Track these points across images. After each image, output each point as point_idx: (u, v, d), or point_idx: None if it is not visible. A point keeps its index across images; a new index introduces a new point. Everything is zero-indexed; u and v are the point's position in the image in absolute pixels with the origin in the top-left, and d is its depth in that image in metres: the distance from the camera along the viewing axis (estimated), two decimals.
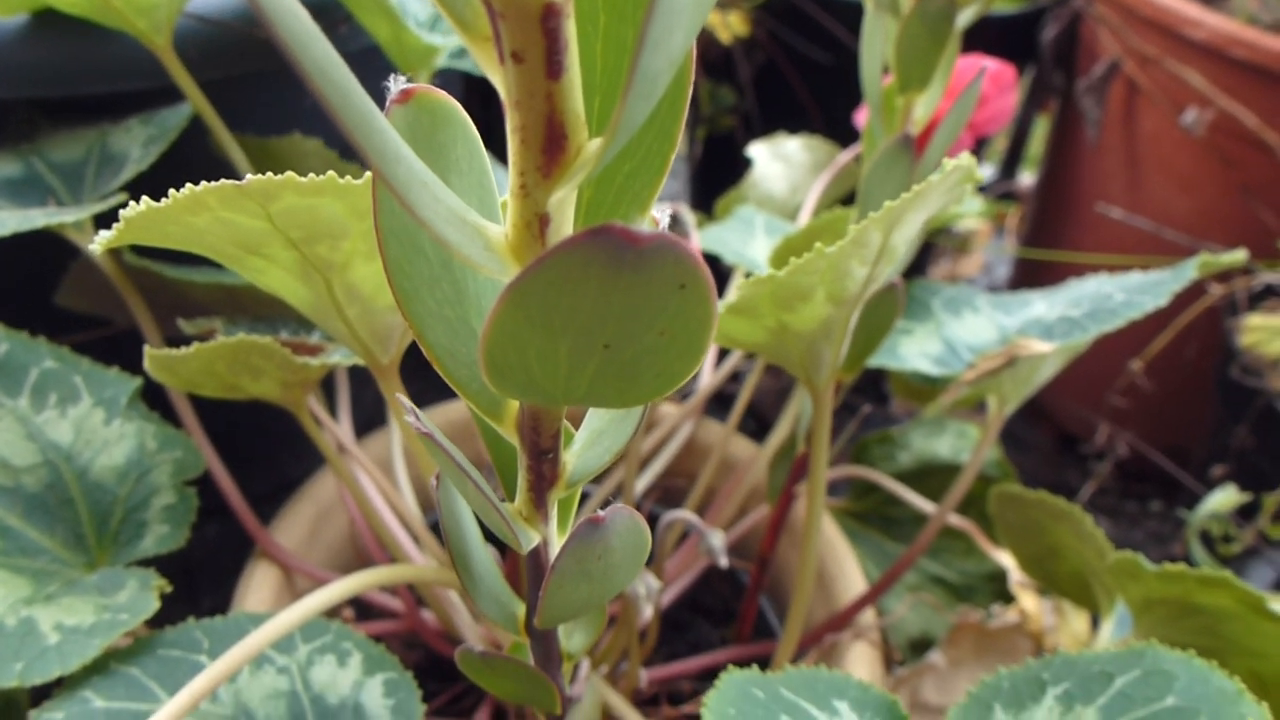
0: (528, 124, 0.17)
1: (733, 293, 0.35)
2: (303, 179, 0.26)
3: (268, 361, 0.42)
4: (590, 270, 0.15)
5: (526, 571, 0.29)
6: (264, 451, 0.86)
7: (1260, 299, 0.83)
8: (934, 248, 1.21)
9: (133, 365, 0.59)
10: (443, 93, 0.20)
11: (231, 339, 0.40)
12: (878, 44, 0.46)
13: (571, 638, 0.34)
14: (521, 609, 0.33)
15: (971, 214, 0.83)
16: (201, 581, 0.85)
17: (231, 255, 0.31)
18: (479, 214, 0.22)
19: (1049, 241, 1.09)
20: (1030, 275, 1.14)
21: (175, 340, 0.57)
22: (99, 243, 0.30)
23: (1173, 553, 0.95)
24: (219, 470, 0.55)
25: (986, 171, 1.42)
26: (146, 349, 0.42)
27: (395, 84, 0.20)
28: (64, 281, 0.61)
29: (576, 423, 0.27)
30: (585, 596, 0.28)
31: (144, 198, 0.29)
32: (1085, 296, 0.53)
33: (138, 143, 0.56)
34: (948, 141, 0.48)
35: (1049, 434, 1.13)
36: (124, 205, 0.51)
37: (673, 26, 0.14)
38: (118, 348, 0.65)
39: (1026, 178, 1.41)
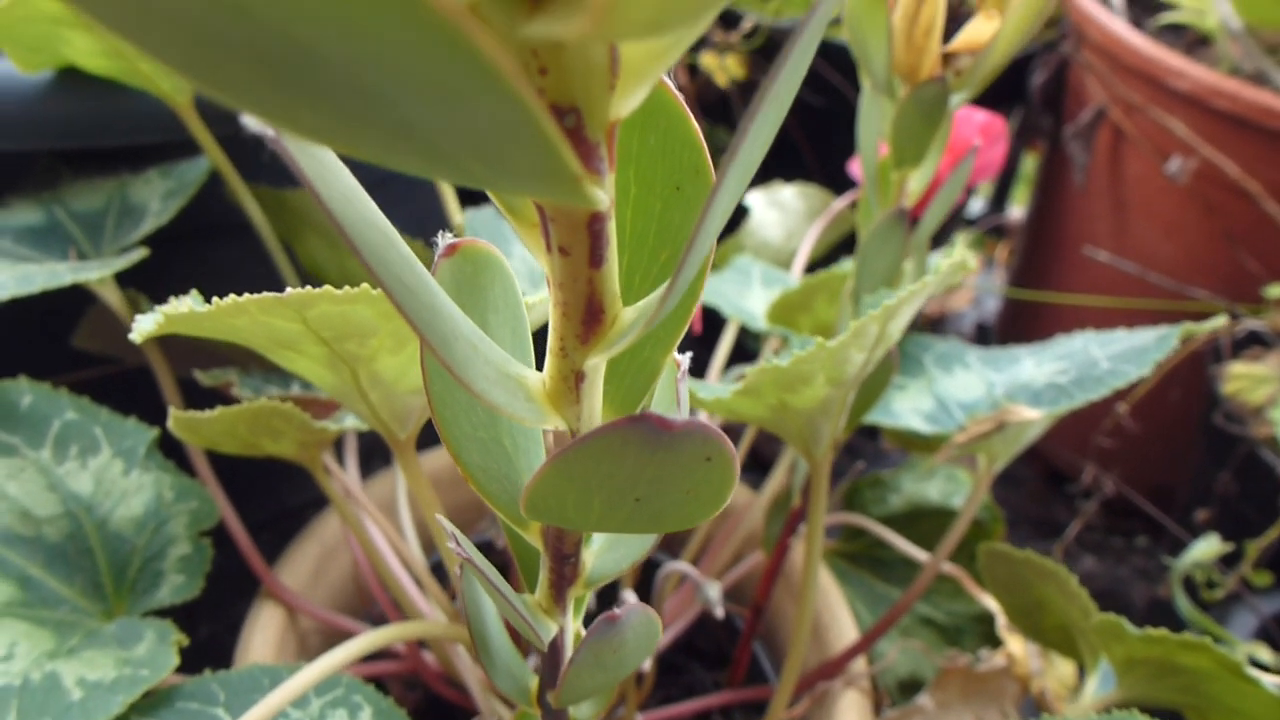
0: (569, 301, 0.19)
1: (740, 381, 0.36)
2: (338, 290, 0.28)
3: (287, 424, 0.44)
4: (627, 449, 0.17)
5: (544, 656, 0.31)
6: (263, 480, 0.87)
7: (1243, 345, 0.85)
8: None
9: (144, 401, 0.60)
10: (483, 242, 0.22)
11: (254, 404, 0.42)
12: (874, 122, 0.48)
13: (581, 707, 0.36)
14: (534, 682, 0.34)
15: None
16: (201, 609, 0.87)
17: (264, 346, 0.32)
18: (513, 345, 0.23)
19: (1037, 280, 1.11)
20: (1019, 312, 1.16)
21: (187, 380, 0.59)
22: (138, 333, 0.31)
23: (1158, 592, 0.97)
24: (222, 502, 0.57)
25: (976, 205, 1.44)
26: (172, 412, 0.43)
27: (442, 240, 0.21)
28: (81, 325, 0.62)
29: None
30: (599, 682, 0.30)
31: (188, 301, 0.31)
32: (1073, 360, 0.55)
33: (157, 195, 0.58)
34: (941, 214, 0.50)
35: (1037, 470, 1.15)
36: (145, 259, 0.53)
37: (710, 235, 0.16)
38: (129, 385, 0.67)
39: (1015, 210, 1.43)
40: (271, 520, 0.89)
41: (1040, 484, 1.15)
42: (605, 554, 0.27)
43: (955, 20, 0.41)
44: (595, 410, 0.21)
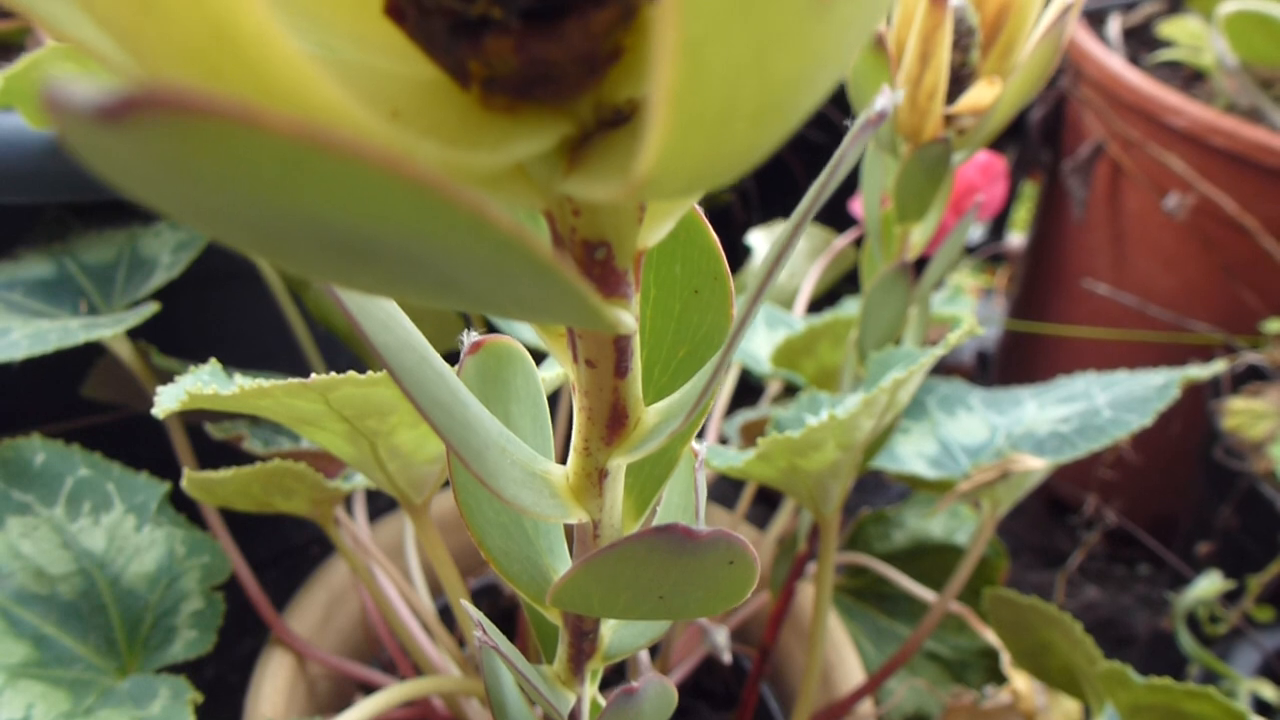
0: (594, 407, 0.19)
1: (754, 449, 0.37)
2: (360, 375, 0.29)
3: (300, 483, 0.44)
4: (653, 555, 0.18)
5: None
6: (268, 518, 0.87)
7: (1243, 380, 0.86)
8: None
9: (152, 444, 0.61)
10: (505, 339, 0.23)
11: (267, 466, 0.42)
12: (877, 177, 0.49)
13: None
14: None
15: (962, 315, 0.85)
16: None
17: (287, 421, 0.33)
18: (534, 432, 0.24)
19: (1037, 311, 1.12)
20: (1019, 341, 1.16)
21: (195, 428, 0.59)
22: (160, 410, 0.32)
23: (1160, 622, 0.98)
24: (228, 543, 0.57)
25: (975, 232, 1.45)
26: (187, 473, 0.44)
27: (468, 338, 0.22)
28: (90, 376, 0.63)
29: None
30: None
31: (210, 380, 0.31)
32: (1074, 406, 0.56)
33: (167, 248, 0.58)
34: (944, 268, 0.51)
35: (1039, 500, 1.15)
36: (157, 314, 0.53)
37: (729, 363, 0.17)
38: (137, 430, 0.67)
39: (1015, 237, 1.44)
40: (276, 558, 0.89)
41: (1042, 513, 1.15)
42: (623, 630, 0.28)
43: (958, 81, 0.42)
44: (617, 502, 0.22)
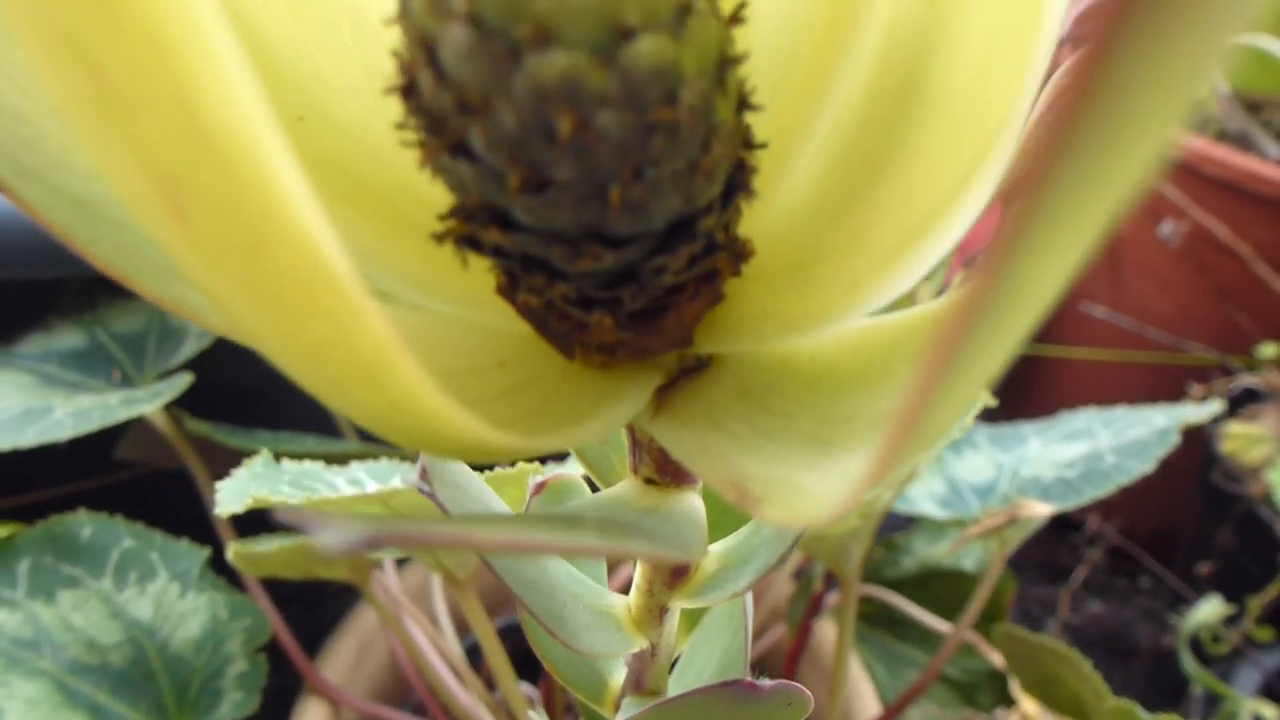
0: (658, 567, 0.21)
1: None
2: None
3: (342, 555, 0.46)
4: (719, 705, 0.20)
5: None
6: None
7: (1240, 402, 0.88)
8: None
9: (180, 499, 0.62)
10: (566, 475, 0.25)
11: (310, 542, 0.44)
12: None
13: None
14: None
15: None
16: None
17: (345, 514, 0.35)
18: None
19: (1037, 333, 1.14)
20: (1021, 362, 1.19)
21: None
22: (223, 510, 0.34)
23: (1162, 637, 1.00)
24: (264, 601, 0.59)
25: None
26: (233, 547, 0.46)
27: (532, 480, 0.24)
28: (124, 440, 0.65)
29: None
30: None
31: (264, 472, 0.33)
32: (1078, 448, 0.58)
33: None
34: None
35: None
36: (191, 384, 0.55)
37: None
38: (164, 485, 0.69)
39: None
40: (298, 593, 0.91)
41: (1045, 530, 1.17)
42: None
43: None
44: (673, 629, 0.24)
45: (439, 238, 0.13)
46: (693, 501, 0.18)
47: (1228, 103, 0.94)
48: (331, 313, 0.10)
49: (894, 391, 0.13)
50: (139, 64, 0.09)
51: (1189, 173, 0.90)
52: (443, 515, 0.17)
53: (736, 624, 0.24)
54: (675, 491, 0.18)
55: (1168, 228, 0.91)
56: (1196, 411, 0.57)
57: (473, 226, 0.13)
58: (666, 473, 0.18)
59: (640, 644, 0.24)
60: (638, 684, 0.26)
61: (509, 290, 0.14)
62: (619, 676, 0.28)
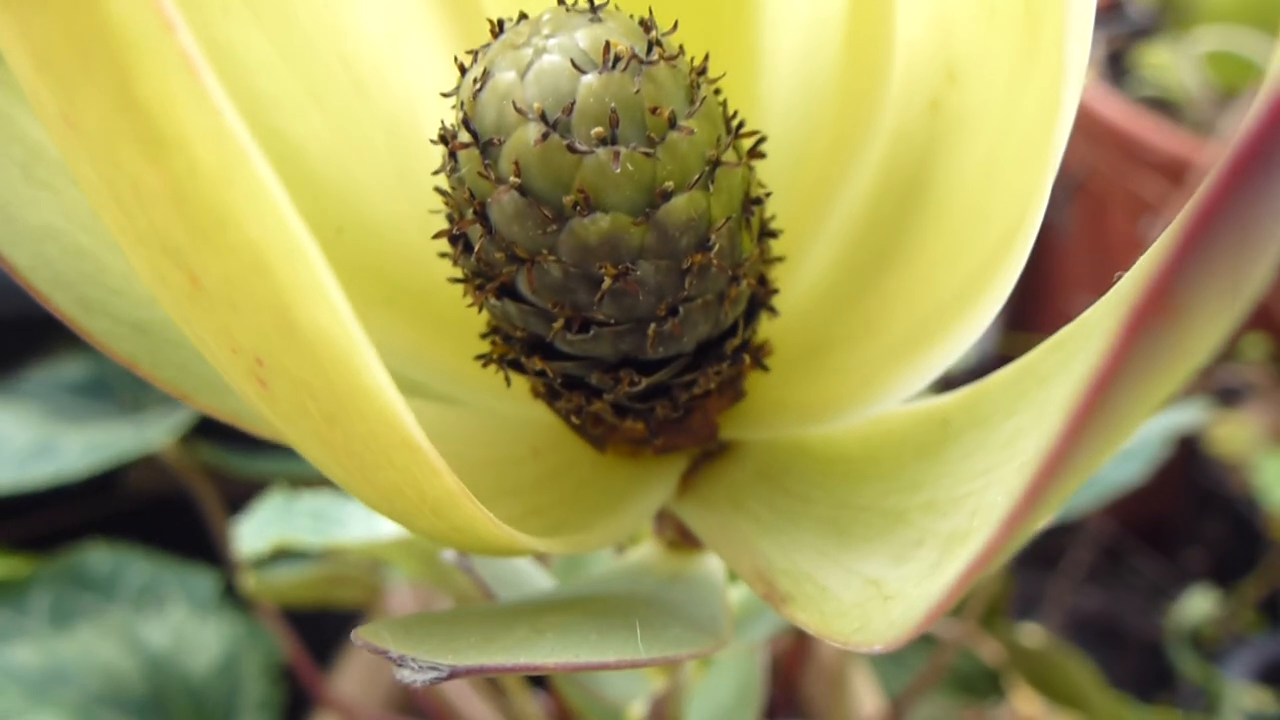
0: None
1: None
2: None
3: (356, 581, 0.47)
4: None
5: None
6: None
7: (1223, 397, 0.90)
8: None
9: (189, 525, 0.63)
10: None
11: (327, 570, 0.46)
12: None
13: None
14: None
15: None
16: None
17: (364, 554, 0.36)
18: None
19: (1028, 325, 1.15)
20: (1014, 351, 1.20)
21: (234, 503, 0.62)
22: (248, 550, 0.35)
23: (1154, 620, 1.02)
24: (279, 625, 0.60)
25: None
26: (253, 577, 0.47)
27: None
28: (133, 471, 0.66)
29: None
30: None
31: (285, 508, 0.34)
32: None
33: None
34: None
35: None
36: (200, 416, 0.56)
37: None
38: (167, 507, 0.70)
39: None
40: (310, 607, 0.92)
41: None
42: None
43: None
44: (689, 668, 0.25)
45: (483, 361, 0.15)
46: (713, 564, 0.20)
47: (1207, 100, 0.95)
48: (403, 467, 0.11)
49: (905, 487, 0.14)
50: (237, 276, 0.10)
51: (1168, 172, 0.92)
52: (488, 600, 0.18)
53: (752, 657, 0.25)
54: (696, 555, 0.20)
55: (1152, 225, 0.93)
56: (1189, 416, 0.58)
57: (516, 352, 0.14)
58: (688, 539, 0.19)
59: (660, 685, 0.25)
60: (657, 718, 0.27)
61: (547, 397, 0.15)
62: (638, 709, 0.29)
